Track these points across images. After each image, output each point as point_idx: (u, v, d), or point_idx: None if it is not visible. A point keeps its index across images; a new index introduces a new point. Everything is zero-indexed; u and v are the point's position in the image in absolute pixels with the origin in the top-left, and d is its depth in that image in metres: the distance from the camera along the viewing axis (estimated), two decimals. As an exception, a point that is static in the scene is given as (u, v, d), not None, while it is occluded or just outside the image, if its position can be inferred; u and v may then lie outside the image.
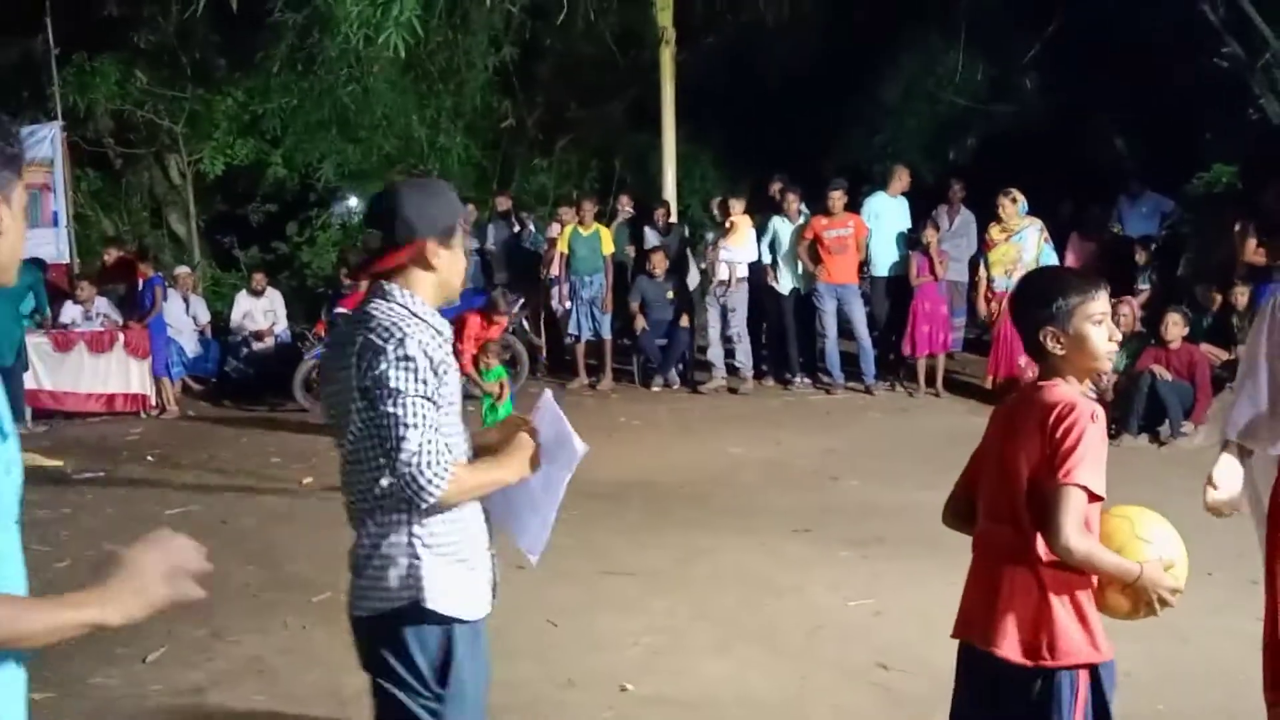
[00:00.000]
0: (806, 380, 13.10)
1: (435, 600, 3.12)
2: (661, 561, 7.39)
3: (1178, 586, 3.17)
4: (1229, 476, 3.85)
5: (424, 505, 3.06)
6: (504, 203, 15.59)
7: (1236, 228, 11.78)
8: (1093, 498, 3.07)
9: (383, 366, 3.04)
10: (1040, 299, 3.27)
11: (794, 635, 6.13)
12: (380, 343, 3.06)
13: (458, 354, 10.66)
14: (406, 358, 3.04)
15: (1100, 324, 3.21)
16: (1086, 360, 3.23)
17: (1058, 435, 3.09)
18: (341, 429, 3.15)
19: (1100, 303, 3.22)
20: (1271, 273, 10.71)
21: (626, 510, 8.56)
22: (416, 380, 3.05)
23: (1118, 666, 3.24)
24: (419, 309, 3.19)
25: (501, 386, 9.43)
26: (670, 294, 13.48)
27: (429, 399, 3.06)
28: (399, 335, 3.07)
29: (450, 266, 3.26)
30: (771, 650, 5.94)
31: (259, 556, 7.61)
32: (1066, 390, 3.20)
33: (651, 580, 7.06)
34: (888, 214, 12.95)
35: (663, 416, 12.11)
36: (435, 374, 3.08)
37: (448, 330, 3.26)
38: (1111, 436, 9.75)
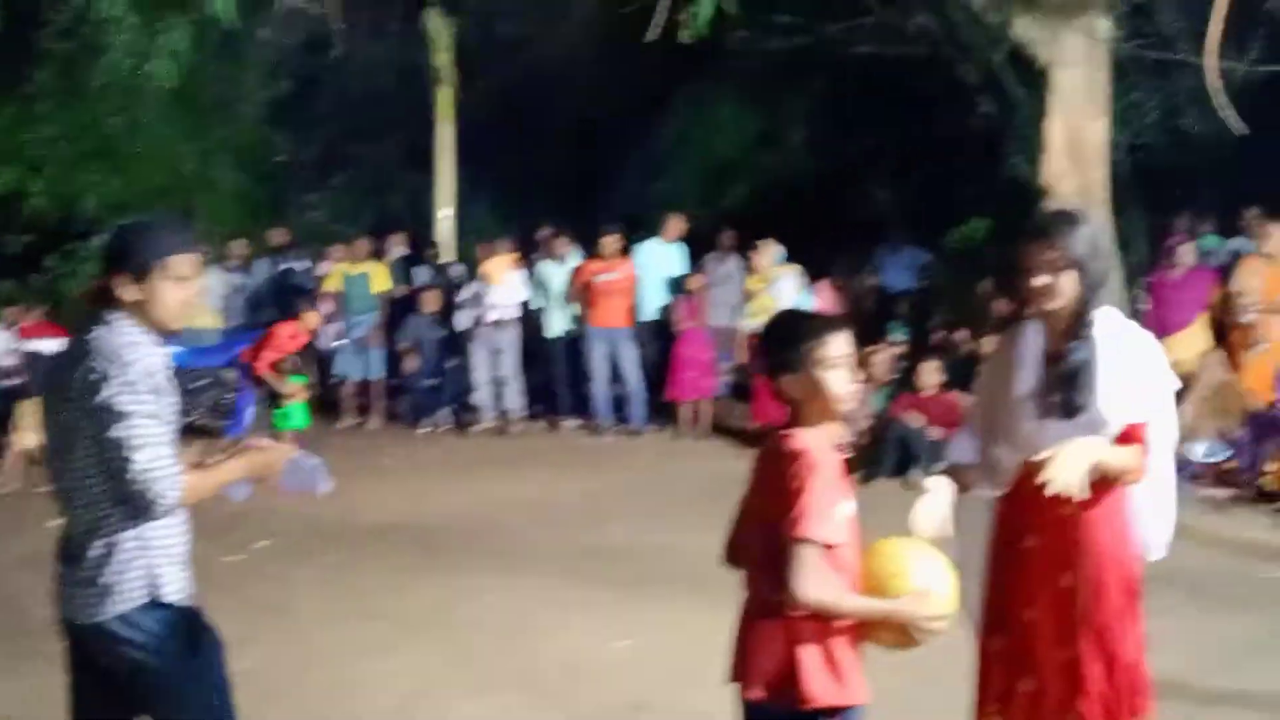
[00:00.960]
0: (576, 423, 13.16)
1: (170, 593, 3.53)
2: (421, 604, 7.32)
3: (938, 613, 3.25)
4: (932, 504, 3.98)
5: (158, 515, 3.40)
6: (276, 238, 15.31)
7: (988, 280, 12.41)
8: (828, 546, 3.15)
9: (109, 391, 3.33)
10: (777, 344, 3.32)
11: (553, 677, 6.13)
12: (104, 368, 3.36)
13: (256, 359, 10.60)
14: (130, 381, 3.34)
15: (837, 368, 3.26)
16: (826, 404, 3.27)
17: (789, 488, 3.15)
18: (63, 453, 3.43)
19: (836, 346, 3.27)
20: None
21: (389, 553, 8.46)
22: (141, 401, 3.35)
23: (881, 703, 3.33)
24: (137, 336, 3.47)
25: (298, 391, 9.36)
26: (441, 334, 13.41)
27: (154, 417, 3.36)
28: (123, 360, 3.37)
29: (154, 301, 3.52)
30: (530, 693, 5.92)
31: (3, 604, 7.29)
32: (801, 439, 3.24)
33: (410, 624, 6.98)
34: (659, 259, 13.13)
35: (431, 458, 12.02)
36: (157, 394, 3.39)
37: (167, 355, 3.51)
38: (866, 480, 10.06)
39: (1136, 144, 13.85)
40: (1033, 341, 3.98)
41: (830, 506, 3.15)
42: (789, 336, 3.30)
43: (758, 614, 3.29)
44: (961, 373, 11.58)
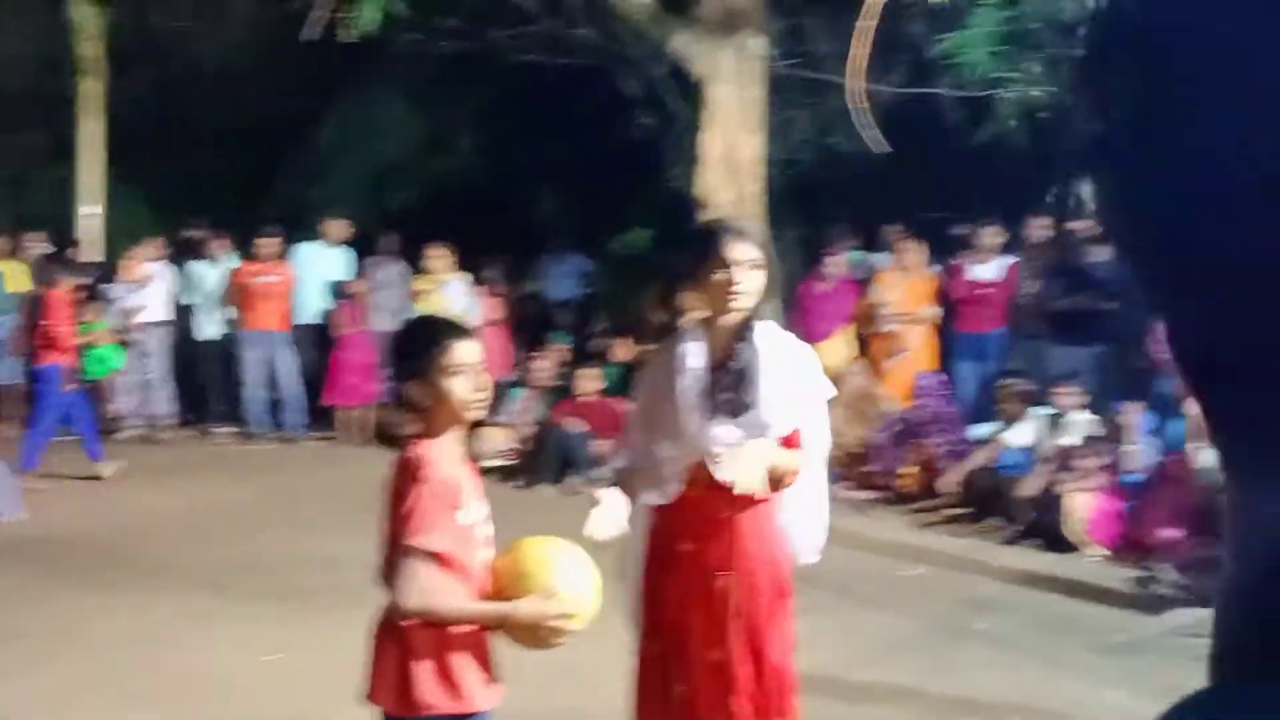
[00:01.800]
0: (229, 430, 12.71)
1: None
2: (60, 622, 6.91)
3: (565, 612, 3.25)
4: (607, 510, 4.01)
5: None
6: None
7: (651, 289, 12.60)
8: (438, 555, 3.11)
9: None
10: (405, 351, 3.30)
11: (199, 692, 5.89)
12: None
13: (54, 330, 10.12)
14: None
15: (462, 374, 3.23)
16: (451, 411, 3.24)
17: (403, 497, 3.14)
18: None
19: (462, 352, 3.24)
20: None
21: (21, 568, 7.96)
22: None
23: (518, 709, 3.31)
24: None
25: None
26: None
27: None
28: None
29: None
30: (174, 709, 5.68)
31: None
32: (419, 448, 3.21)
33: (48, 642, 6.58)
34: (320, 262, 12.84)
35: (69, 467, 11.35)
36: None
37: None
38: (528, 485, 10.09)
39: (789, 160, 14.37)
40: (693, 349, 4.06)
41: (441, 515, 3.13)
42: (415, 343, 3.29)
43: (381, 626, 3.27)
44: (622, 380, 11.78)
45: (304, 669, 6.20)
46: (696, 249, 4.07)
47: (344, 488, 10.38)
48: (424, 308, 11.98)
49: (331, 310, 12.68)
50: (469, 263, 12.64)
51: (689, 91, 11.76)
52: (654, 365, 4.25)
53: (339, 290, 12.73)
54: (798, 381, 4.03)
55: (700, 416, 3.98)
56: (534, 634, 3.27)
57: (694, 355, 4.04)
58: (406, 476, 3.17)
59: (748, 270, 3.94)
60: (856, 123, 9.38)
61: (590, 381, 10.97)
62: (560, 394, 11.35)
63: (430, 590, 3.11)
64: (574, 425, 10.57)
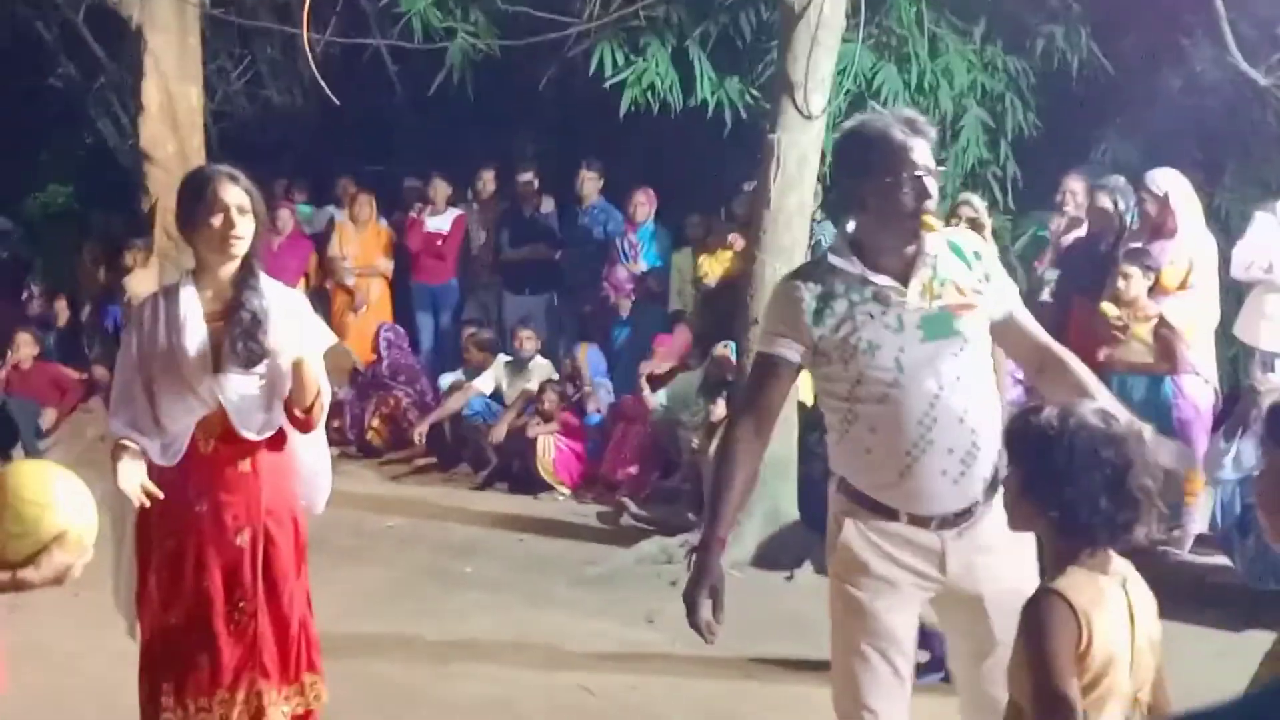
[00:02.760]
0: None
1: None
2: None
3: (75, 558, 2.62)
4: (131, 468, 3.81)
5: None
6: None
7: (85, 249, 11.85)
8: None
9: None
10: None
11: None
12: None
13: None
14: None
15: None
16: None
17: None
18: None
19: None
20: (114, 293, 10.89)
21: None
22: None
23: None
24: None
25: None
26: None
27: None
28: None
29: None
30: None
31: None
32: None
33: None
34: None
35: None
36: None
37: None
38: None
39: (220, 111, 13.84)
40: (190, 302, 3.90)
41: None
42: None
43: None
44: (61, 344, 11.05)
45: None
46: (189, 196, 3.90)
47: None
48: None
49: None
50: None
51: (115, 39, 11.08)
52: (143, 322, 4.01)
53: None
54: (300, 325, 3.98)
55: (208, 369, 3.85)
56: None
57: (190, 307, 3.89)
58: None
59: (241, 215, 3.83)
60: (307, 74, 9.19)
61: (26, 346, 10.21)
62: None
63: None
64: (14, 393, 9.80)
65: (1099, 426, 2.56)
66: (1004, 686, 2.78)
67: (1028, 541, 3.16)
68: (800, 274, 3.40)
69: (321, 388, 3.95)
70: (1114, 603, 2.55)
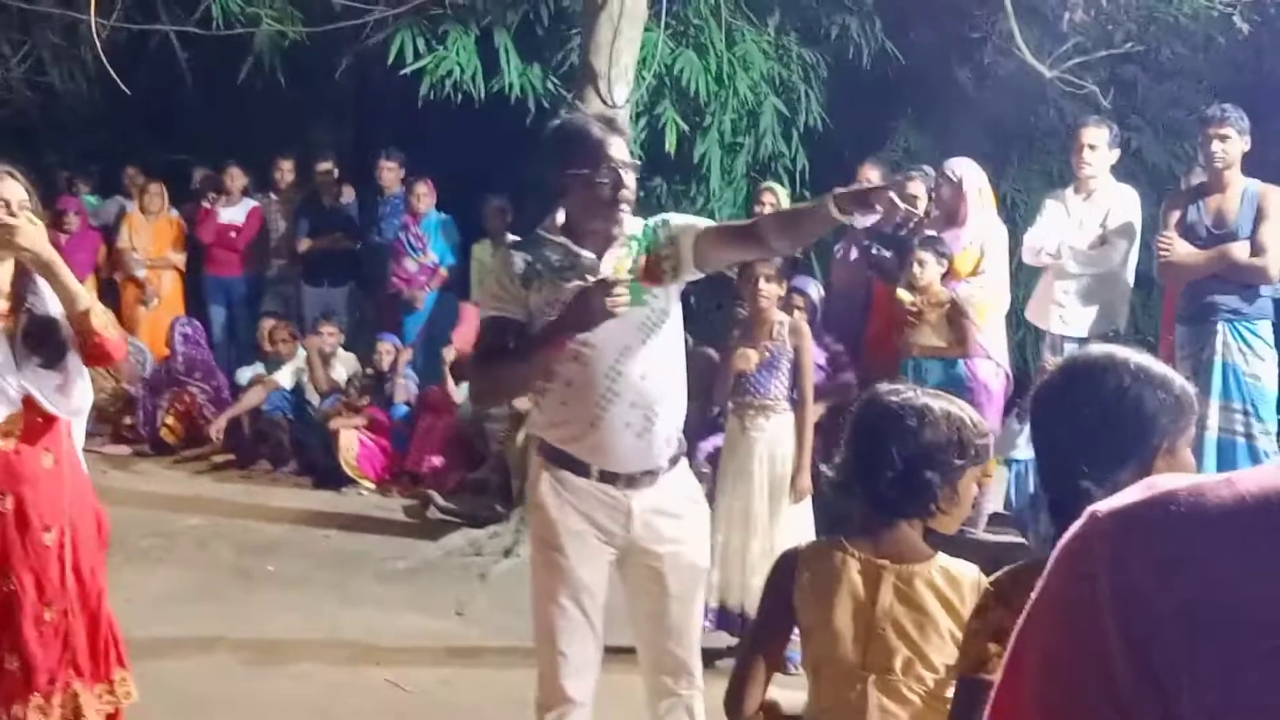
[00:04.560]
0: None
1: None
2: None
3: None
4: None
5: None
6: None
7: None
8: None
9: None
10: None
11: None
12: None
13: None
14: None
15: None
16: None
17: None
18: None
19: None
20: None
21: None
22: None
23: None
24: None
25: None
26: None
27: None
28: None
29: None
30: None
31: None
32: None
33: None
34: None
35: None
36: None
37: None
38: None
39: (0, 99, 13.28)
40: None
41: None
42: None
43: None
44: None
45: None
46: None
47: None
48: None
49: None
50: None
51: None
52: None
53: None
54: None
55: (11, 367, 3.72)
56: None
57: None
58: None
59: (16, 209, 3.68)
60: (93, 60, 8.85)
61: None
62: None
63: None
64: None
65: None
66: (682, 644, 3.64)
67: (703, 510, 3.84)
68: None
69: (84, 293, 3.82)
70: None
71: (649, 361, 3.57)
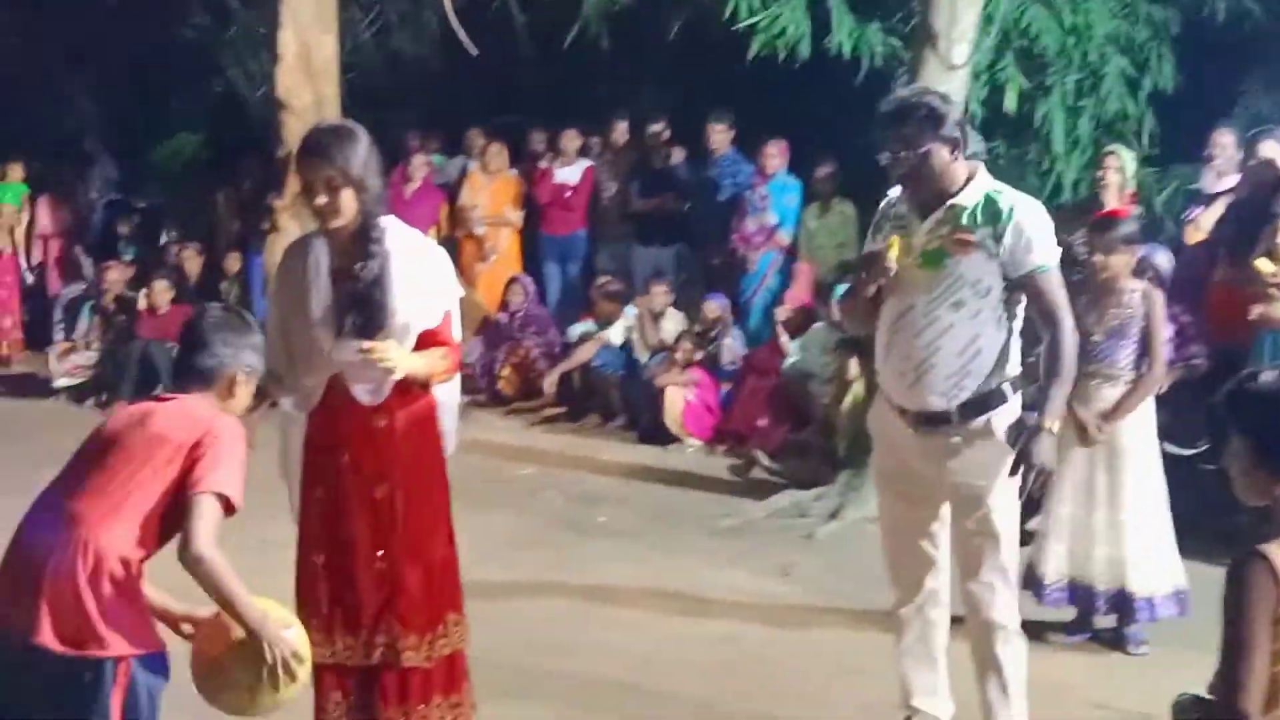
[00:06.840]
0: None
1: None
2: None
3: (298, 652, 3.21)
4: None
5: None
6: None
7: (220, 197, 12.04)
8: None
9: None
10: None
11: None
12: None
13: None
14: None
15: None
16: None
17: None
18: None
19: None
20: (249, 241, 11.09)
21: None
22: None
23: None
24: None
25: None
26: None
27: None
28: None
29: None
30: None
31: None
32: None
33: None
34: None
35: None
36: None
37: None
38: (107, 403, 9.51)
39: (349, 62, 13.92)
40: (321, 257, 3.89)
41: None
42: None
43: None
44: (196, 290, 11.27)
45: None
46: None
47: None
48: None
49: None
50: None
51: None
52: (282, 278, 4.05)
53: None
54: (431, 280, 3.93)
55: (330, 335, 3.84)
56: (258, 665, 3.15)
57: (321, 267, 3.88)
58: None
59: (328, 191, 3.74)
60: (436, 23, 9.19)
61: (163, 294, 10.44)
62: (130, 306, 10.70)
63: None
64: (152, 338, 10.03)
65: None
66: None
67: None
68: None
69: (439, 360, 3.92)
70: None
71: (936, 318, 3.99)
